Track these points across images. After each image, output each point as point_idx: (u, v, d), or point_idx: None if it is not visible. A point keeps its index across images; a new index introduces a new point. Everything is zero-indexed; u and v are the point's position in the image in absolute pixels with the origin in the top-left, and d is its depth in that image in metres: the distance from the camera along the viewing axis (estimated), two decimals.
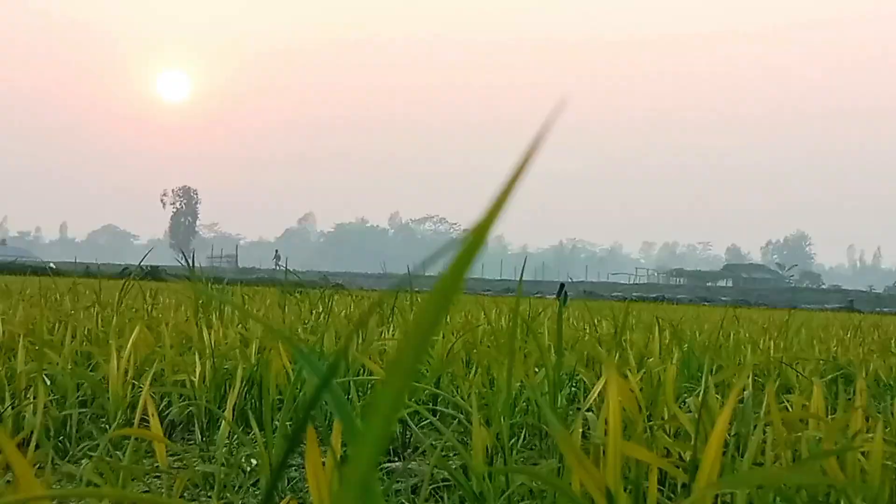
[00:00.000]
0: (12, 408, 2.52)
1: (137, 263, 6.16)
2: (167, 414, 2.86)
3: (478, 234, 0.42)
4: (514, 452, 2.73)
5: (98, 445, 2.67)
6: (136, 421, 1.73)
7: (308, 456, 1.09)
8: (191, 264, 4.61)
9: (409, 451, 2.84)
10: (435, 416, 3.06)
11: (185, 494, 1.98)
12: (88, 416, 2.76)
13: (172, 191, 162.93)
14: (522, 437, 2.98)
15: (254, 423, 2.09)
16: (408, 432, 2.91)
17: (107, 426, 2.74)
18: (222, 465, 2.06)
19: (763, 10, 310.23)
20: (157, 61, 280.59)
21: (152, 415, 1.65)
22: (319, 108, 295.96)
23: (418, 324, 0.42)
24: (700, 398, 2.58)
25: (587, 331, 5.31)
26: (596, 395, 2.21)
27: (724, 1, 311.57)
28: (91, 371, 3.04)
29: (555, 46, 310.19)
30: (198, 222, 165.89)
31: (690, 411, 2.64)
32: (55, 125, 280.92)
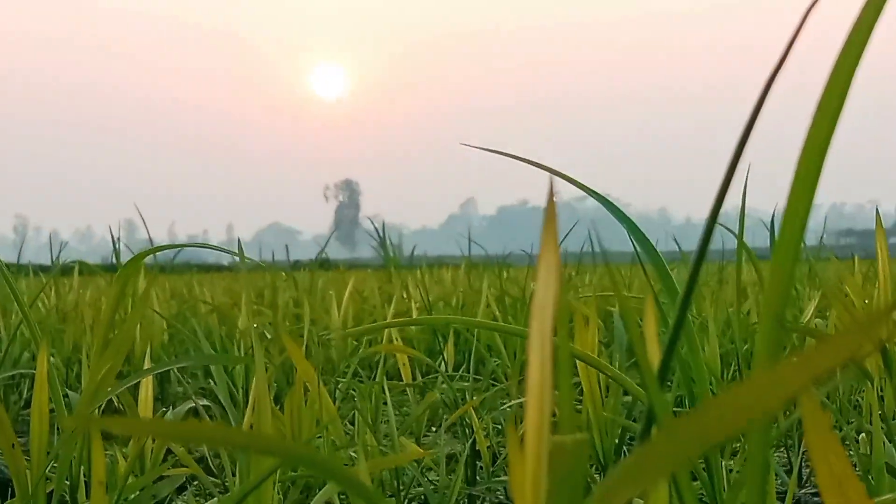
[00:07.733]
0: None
1: (305, 257, 6.51)
2: (377, 360, 3.00)
3: None
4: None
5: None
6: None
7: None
8: (382, 235, 4.83)
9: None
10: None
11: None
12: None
13: (335, 185, 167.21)
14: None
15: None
16: None
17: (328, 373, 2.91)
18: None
19: None
20: (311, 60, 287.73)
21: (396, 339, 1.77)
22: (475, 94, 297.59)
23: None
24: None
25: None
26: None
27: None
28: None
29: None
30: (360, 214, 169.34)
31: None
32: (216, 132, 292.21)
